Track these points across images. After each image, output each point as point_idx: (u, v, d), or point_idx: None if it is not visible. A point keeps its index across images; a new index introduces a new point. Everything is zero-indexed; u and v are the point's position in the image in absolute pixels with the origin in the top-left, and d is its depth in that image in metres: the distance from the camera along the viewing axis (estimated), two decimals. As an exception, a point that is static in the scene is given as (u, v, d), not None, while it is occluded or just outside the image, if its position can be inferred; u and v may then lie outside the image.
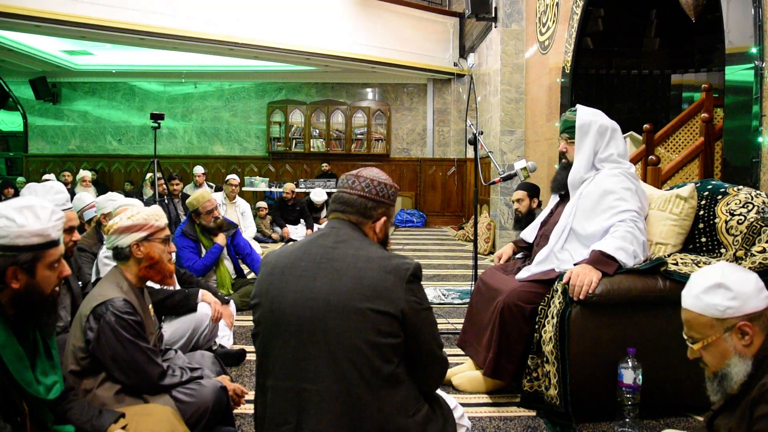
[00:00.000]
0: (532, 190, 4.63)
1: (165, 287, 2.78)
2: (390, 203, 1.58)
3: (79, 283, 2.70)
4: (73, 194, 7.04)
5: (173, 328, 2.72)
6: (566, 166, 2.80)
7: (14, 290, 1.43)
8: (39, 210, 1.47)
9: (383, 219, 1.57)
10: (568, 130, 2.75)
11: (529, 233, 3.06)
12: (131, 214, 2.07)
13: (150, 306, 2.16)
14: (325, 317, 1.41)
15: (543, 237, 2.87)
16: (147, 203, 6.33)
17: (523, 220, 4.55)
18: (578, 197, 2.68)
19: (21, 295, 1.44)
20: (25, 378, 1.45)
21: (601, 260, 2.39)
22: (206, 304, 2.84)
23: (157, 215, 2.09)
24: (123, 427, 1.68)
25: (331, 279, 1.44)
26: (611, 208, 2.54)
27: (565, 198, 2.84)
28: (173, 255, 2.82)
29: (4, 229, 1.41)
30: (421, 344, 1.48)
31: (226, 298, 3.19)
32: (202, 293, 2.85)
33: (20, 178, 10.01)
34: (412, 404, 1.46)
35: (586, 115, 2.70)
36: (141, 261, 2.04)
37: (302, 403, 1.41)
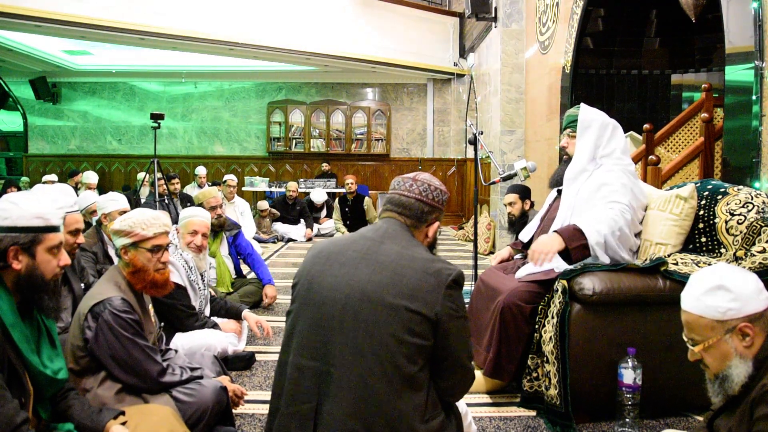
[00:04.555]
0: (524, 192, 4.63)
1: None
2: (443, 208, 1.63)
3: (82, 285, 2.70)
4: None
5: (180, 345, 2.73)
6: (567, 161, 2.82)
7: (17, 272, 1.51)
8: (41, 196, 1.60)
9: (436, 224, 1.62)
10: (572, 124, 2.78)
11: (526, 233, 3.07)
12: (125, 217, 2.09)
13: (150, 306, 2.16)
14: (358, 306, 1.43)
15: (542, 233, 2.88)
16: (146, 203, 6.35)
17: (516, 223, 4.56)
18: (576, 193, 2.68)
19: (23, 278, 1.52)
20: (32, 359, 1.51)
21: (570, 233, 2.44)
22: (222, 333, 2.90)
23: (145, 223, 2.05)
24: (123, 424, 1.69)
25: (372, 271, 1.46)
26: (603, 198, 2.57)
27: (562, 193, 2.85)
28: (177, 264, 2.84)
29: (8, 210, 1.51)
30: (450, 351, 1.48)
31: (245, 309, 3.20)
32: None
33: (24, 178, 10.00)
34: (429, 410, 1.45)
35: (589, 111, 2.76)
36: (128, 265, 2.05)
37: (325, 384, 1.43)
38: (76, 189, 7.77)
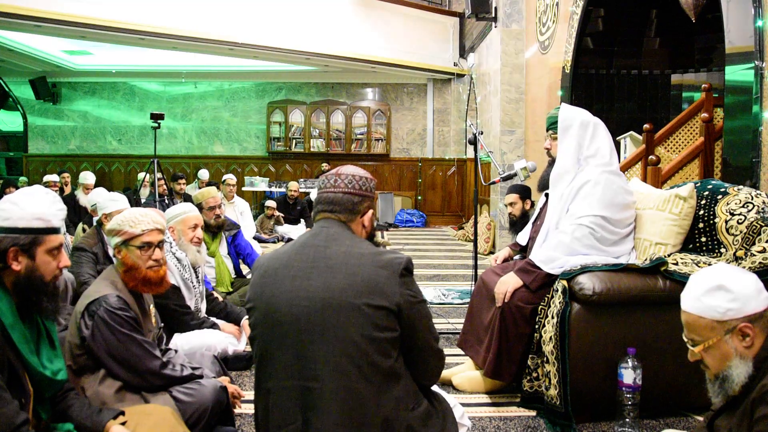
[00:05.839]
0: (524, 192, 4.62)
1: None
2: (373, 196, 1.63)
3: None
4: (74, 198, 7.05)
5: (180, 346, 2.72)
6: (551, 163, 2.81)
7: (16, 273, 1.50)
8: (41, 196, 1.58)
9: (370, 212, 1.61)
10: (553, 126, 2.76)
11: (522, 236, 3.07)
12: (116, 217, 2.10)
13: (151, 306, 2.16)
14: (322, 315, 1.43)
15: (532, 239, 2.89)
16: (147, 203, 6.35)
17: (517, 223, 4.56)
18: (560, 197, 2.68)
19: (22, 279, 1.51)
20: (31, 360, 1.51)
21: (526, 269, 2.57)
22: (221, 333, 2.89)
23: (133, 221, 2.05)
24: (122, 424, 1.69)
25: (325, 277, 1.45)
26: (572, 215, 2.59)
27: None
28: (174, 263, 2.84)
29: (8, 211, 1.51)
30: (418, 337, 1.50)
31: (245, 316, 3.19)
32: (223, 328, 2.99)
33: (22, 178, 9.99)
34: (411, 399, 1.47)
35: (568, 111, 2.74)
36: (121, 264, 2.05)
37: (307, 401, 1.42)
38: (62, 191, 7.77)
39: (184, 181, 7.52)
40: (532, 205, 4.69)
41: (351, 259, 1.47)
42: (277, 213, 8.25)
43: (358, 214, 1.58)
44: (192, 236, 2.98)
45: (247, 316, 3.21)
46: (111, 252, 3.40)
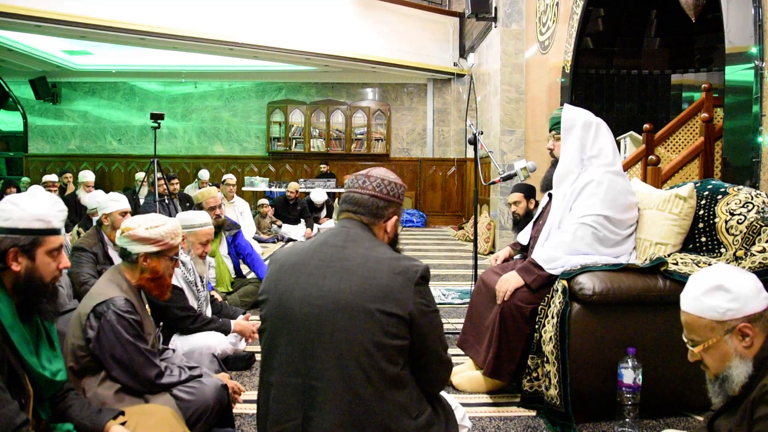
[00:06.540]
0: (529, 192, 4.61)
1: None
2: (400, 202, 1.60)
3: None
4: (75, 198, 7.05)
5: (180, 346, 2.71)
6: (555, 163, 2.82)
7: (16, 274, 1.50)
8: (42, 197, 1.58)
9: (394, 218, 1.59)
10: (556, 126, 2.77)
11: (524, 236, 3.07)
12: (151, 226, 2.06)
13: (147, 306, 2.17)
14: (333, 316, 1.42)
15: (534, 239, 2.89)
16: (146, 203, 6.35)
17: (521, 222, 4.55)
18: (563, 196, 2.68)
19: (22, 280, 1.51)
20: (31, 361, 1.51)
21: (528, 268, 2.56)
22: (221, 336, 2.87)
23: (174, 233, 2.09)
24: (122, 424, 1.69)
25: (340, 278, 1.44)
26: (574, 214, 2.59)
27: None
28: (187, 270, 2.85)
29: (8, 211, 1.51)
30: (428, 346, 1.48)
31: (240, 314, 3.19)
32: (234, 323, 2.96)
33: (24, 178, 9.99)
34: (415, 406, 1.46)
35: (571, 111, 2.75)
36: (144, 271, 2.05)
37: (309, 399, 1.42)
38: (64, 190, 7.76)
39: (176, 180, 7.55)
40: (536, 204, 4.68)
41: (368, 262, 1.45)
42: (273, 217, 8.24)
43: (381, 219, 1.56)
44: (201, 251, 3.00)
45: (242, 313, 3.22)
46: (112, 252, 3.40)
